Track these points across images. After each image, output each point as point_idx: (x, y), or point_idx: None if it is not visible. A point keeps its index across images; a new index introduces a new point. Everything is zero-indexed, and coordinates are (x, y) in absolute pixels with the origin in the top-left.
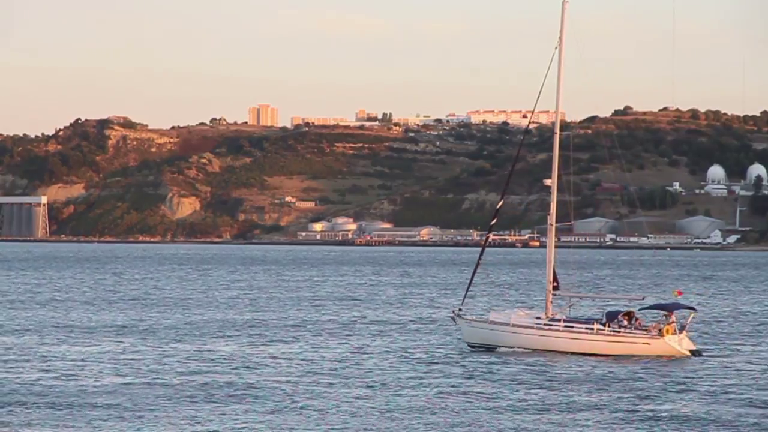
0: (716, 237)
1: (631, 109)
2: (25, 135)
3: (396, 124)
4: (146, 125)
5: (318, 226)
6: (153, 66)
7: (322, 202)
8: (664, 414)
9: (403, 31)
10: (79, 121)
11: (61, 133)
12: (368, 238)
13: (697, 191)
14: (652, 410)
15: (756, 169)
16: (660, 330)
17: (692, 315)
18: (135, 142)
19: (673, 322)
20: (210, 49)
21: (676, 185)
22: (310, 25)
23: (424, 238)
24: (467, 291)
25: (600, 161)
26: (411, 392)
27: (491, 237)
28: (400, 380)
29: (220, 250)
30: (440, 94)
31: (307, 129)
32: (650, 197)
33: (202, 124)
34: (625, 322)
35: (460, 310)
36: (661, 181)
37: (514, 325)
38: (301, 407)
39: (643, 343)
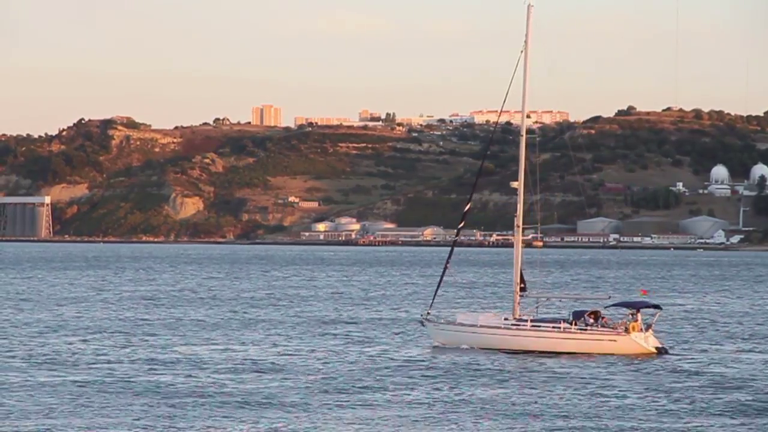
0: (719, 237)
1: (635, 109)
2: (28, 135)
3: (399, 124)
4: (149, 125)
5: (321, 226)
6: (156, 66)
7: (326, 202)
8: (628, 407)
9: (406, 31)
10: (83, 121)
11: (64, 133)
12: (371, 238)
13: (700, 191)
14: (616, 405)
15: (759, 169)
16: (626, 328)
17: (658, 313)
18: (138, 142)
19: (638, 320)
20: (213, 49)
21: (680, 185)
22: (314, 25)
23: (428, 238)
24: (436, 293)
25: (603, 161)
26: (379, 394)
27: (498, 237)
28: (365, 380)
29: (233, 250)
30: (443, 94)
31: (310, 129)
32: (653, 197)
33: (205, 124)
34: (592, 321)
35: (428, 312)
36: (665, 181)
37: (481, 326)
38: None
39: (610, 341)
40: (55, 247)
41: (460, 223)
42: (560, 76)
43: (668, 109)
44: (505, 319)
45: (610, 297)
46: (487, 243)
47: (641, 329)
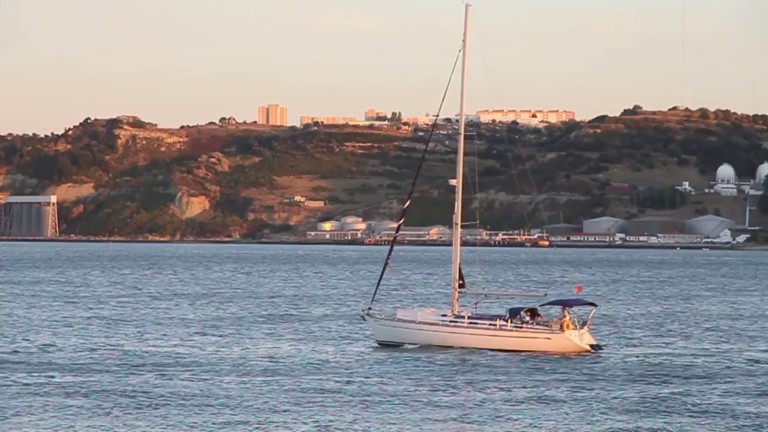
0: (726, 236)
1: (641, 108)
2: (34, 134)
3: (405, 124)
4: (156, 125)
5: (327, 226)
6: (162, 65)
7: (332, 202)
8: (558, 400)
9: (412, 31)
10: (89, 121)
11: (70, 132)
12: (377, 237)
13: (706, 191)
14: (544, 400)
15: (766, 169)
16: (561, 325)
17: (593, 310)
18: (144, 142)
19: (565, 316)
20: (219, 48)
21: (686, 185)
22: (320, 24)
23: (433, 238)
24: (377, 289)
25: (609, 160)
26: (318, 392)
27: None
28: (305, 376)
29: (241, 249)
30: (450, 94)
31: (316, 128)
32: (660, 197)
33: (211, 123)
34: (528, 318)
35: (369, 308)
36: (671, 180)
37: (420, 323)
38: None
39: (544, 338)
40: (72, 247)
41: (400, 219)
42: (501, 75)
43: (674, 108)
44: (443, 315)
45: (546, 294)
46: (492, 242)
47: (575, 326)
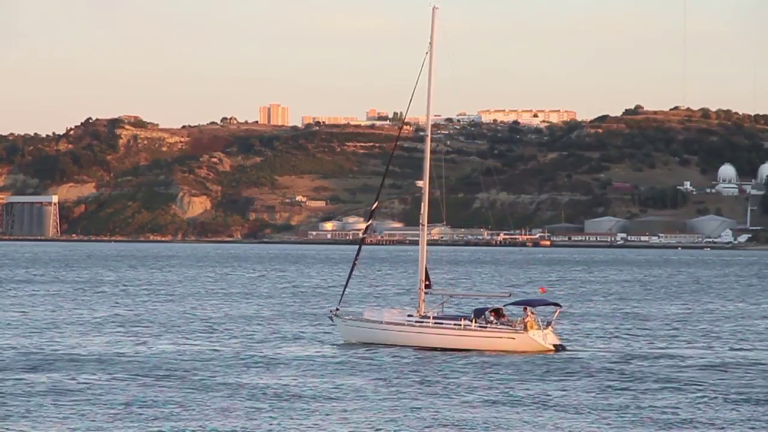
0: (727, 236)
1: (642, 108)
2: (36, 134)
3: (407, 123)
4: (157, 124)
5: (329, 226)
6: (164, 65)
7: (333, 202)
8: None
9: (414, 31)
10: (90, 121)
11: (72, 132)
12: (379, 237)
13: (708, 190)
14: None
15: (767, 169)
16: (525, 325)
17: (558, 311)
18: (146, 142)
19: (528, 316)
20: (221, 48)
21: (687, 184)
22: (321, 24)
23: (435, 237)
24: (344, 290)
25: (611, 160)
26: (284, 391)
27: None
28: (271, 376)
29: (248, 249)
30: (451, 94)
31: (317, 128)
32: (661, 196)
33: (212, 123)
34: (492, 318)
35: (337, 309)
36: (672, 180)
37: (386, 323)
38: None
39: (508, 338)
40: (79, 247)
41: (368, 220)
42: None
43: (676, 108)
44: (409, 315)
45: (510, 295)
46: (494, 242)
47: (539, 326)
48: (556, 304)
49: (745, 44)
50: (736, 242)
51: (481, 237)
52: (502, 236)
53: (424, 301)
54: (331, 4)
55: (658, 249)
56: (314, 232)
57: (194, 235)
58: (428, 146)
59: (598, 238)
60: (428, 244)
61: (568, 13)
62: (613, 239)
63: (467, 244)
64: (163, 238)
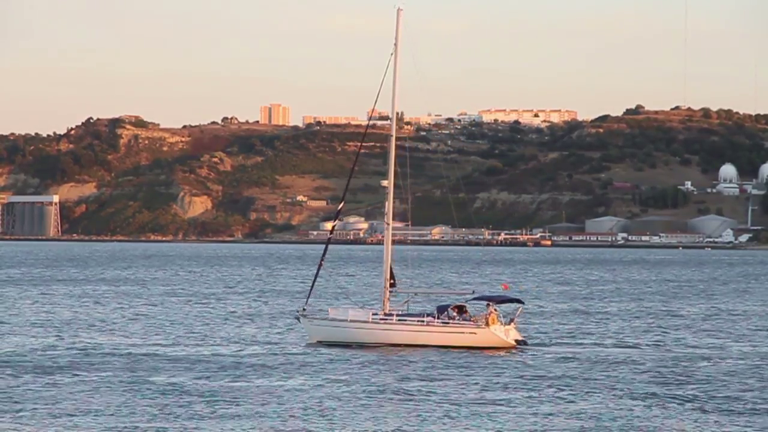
0: (728, 236)
1: (643, 108)
2: (36, 134)
3: (408, 123)
4: (158, 124)
5: (329, 225)
6: (165, 65)
7: (334, 201)
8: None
9: (414, 30)
10: (91, 120)
11: (72, 132)
12: (380, 237)
13: (708, 190)
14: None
15: None
16: (486, 320)
17: (520, 308)
18: (147, 141)
19: (490, 312)
20: (221, 48)
21: (688, 184)
22: (321, 24)
23: (436, 237)
24: (311, 290)
25: (612, 160)
26: (252, 392)
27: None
28: (238, 375)
29: (252, 249)
30: (452, 93)
31: (318, 128)
32: (662, 196)
33: (213, 123)
34: (455, 314)
35: (304, 309)
36: (673, 180)
37: (351, 321)
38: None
39: (470, 333)
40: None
41: (334, 220)
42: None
43: (677, 108)
44: (374, 314)
45: (473, 292)
46: (495, 242)
47: (500, 322)
48: (519, 301)
49: (746, 44)
50: (736, 242)
51: (482, 237)
52: (502, 236)
53: (389, 299)
54: (331, 4)
55: (659, 249)
56: (315, 232)
57: (195, 235)
58: (392, 146)
59: (599, 238)
60: (429, 244)
61: (570, 12)
62: (613, 239)
63: (468, 243)
64: (164, 238)
